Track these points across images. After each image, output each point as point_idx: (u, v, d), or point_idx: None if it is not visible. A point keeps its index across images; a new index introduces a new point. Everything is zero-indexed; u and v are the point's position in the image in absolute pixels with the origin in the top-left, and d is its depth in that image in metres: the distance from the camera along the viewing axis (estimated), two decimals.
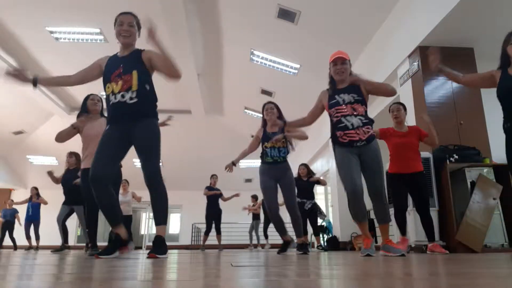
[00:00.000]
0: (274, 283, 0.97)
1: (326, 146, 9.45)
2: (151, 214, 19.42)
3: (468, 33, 4.75)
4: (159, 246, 2.46)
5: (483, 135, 4.74)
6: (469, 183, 4.18)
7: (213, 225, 7.55)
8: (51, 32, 7.75)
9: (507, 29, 2.74)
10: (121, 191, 7.78)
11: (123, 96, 2.50)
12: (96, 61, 2.76)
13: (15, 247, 9.11)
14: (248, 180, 14.38)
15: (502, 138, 4.26)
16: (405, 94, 5.36)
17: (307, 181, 6.45)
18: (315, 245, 6.68)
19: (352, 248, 7.53)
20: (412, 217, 4.19)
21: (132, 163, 14.23)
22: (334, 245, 7.63)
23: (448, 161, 4.31)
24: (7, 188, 15.01)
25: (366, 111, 2.89)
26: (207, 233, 7.54)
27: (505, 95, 2.53)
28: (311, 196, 6.46)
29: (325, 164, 9.97)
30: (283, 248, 3.97)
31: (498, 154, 4.43)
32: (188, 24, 6.77)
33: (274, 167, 3.90)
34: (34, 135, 13.06)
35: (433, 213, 4.27)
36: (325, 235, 8.30)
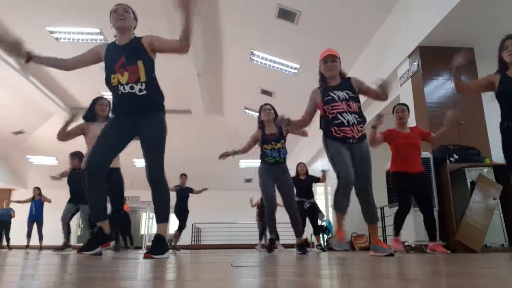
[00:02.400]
0: (274, 283, 0.97)
1: None
2: (151, 214, 19.40)
3: (468, 33, 4.75)
4: (157, 246, 2.40)
5: (483, 135, 4.74)
6: (469, 183, 4.18)
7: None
8: (51, 32, 7.75)
9: (507, 29, 2.75)
10: None
11: (132, 88, 2.46)
12: (95, 47, 2.68)
13: (8, 246, 9.08)
14: (248, 180, 14.37)
15: None
16: (405, 94, 5.36)
17: (306, 179, 6.42)
18: (315, 245, 6.67)
19: (352, 248, 7.53)
20: (412, 217, 4.19)
21: (132, 163, 14.24)
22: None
23: (448, 161, 4.31)
24: (7, 188, 15.01)
25: (360, 108, 2.93)
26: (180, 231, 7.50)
27: (506, 96, 2.57)
28: (310, 195, 6.41)
29: (325, 164, 9.95)
30: (270, 246, 4.06)
31: (498, 154, 4.42)
32: None
33: (275, 168, 3.92)
34: (34, 135, 13.07)
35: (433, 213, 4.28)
36: (325, 235, 8.30)
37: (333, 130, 2.88)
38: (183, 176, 7.72)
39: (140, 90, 2.47)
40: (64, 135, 3.58)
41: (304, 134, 3.91)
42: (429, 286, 0.89)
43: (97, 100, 3.81)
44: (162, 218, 2.51)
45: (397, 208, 3.88)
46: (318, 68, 3.08)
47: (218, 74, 9.57)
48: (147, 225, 16.02)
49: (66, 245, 5.57)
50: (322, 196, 10.63)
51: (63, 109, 11.24)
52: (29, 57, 2.51)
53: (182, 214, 7.45)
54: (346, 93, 2.90)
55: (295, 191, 6.57)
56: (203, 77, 9.28)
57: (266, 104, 4.08)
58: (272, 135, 3.94)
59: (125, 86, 2.46)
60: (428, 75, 4.93)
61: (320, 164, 10.34)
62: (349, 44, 6.86)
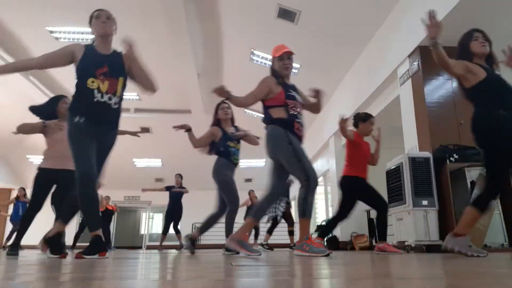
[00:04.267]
0: (274, 283, 0.97)
1: (326, 146, 9.45)
2: (151, 214, 19.42)
3: None
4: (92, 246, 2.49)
5: None
6: (469, 183, 4.18)
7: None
8: (51, 32, 7.74)
9: (507, 29, 2.75)
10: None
11: (110, 99, 2.53)
12: (69, 47, 2.62)
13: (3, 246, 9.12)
14: (248, 180, 14.39)
15: None
16: (405, 94, 5.36)
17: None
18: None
19: (352, 248, 7.53)
20: (412, 217, 4.19)
21: (132, 163, 14.25)
22: (334, 245, 7.62)
23: (448, 161, 4.31)
24: (7, 188, 15.01)
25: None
26: (165, 232, 7.39)
27: (494, 83, 2.56)
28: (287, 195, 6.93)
29: (325, 164, 9.96)
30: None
31: None
32: (188, 24, 6.77)
33: (235, 168, 3.88)
34: (34, 135, 13.03)
35: (433, 213, 4.28)
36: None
37: (296, 126, 2.84)
38: (178, 176, 7.76)
39: (115, 103, 2.56)
40: (26, 130, 3.67)
41: (254, 141, 3.90)
42: (429, 286, 0.89)
43: (60, 99, 3.75)
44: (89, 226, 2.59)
45: (370, 209, 3.92)
46: (272, 65, 3.08)
47: (218, 74, 9.56)
48: (147, 225, 16.04)
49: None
50: (322, 196, 10.63)
51: None
52: None
53: (178, 214, 7.48)
54: (299, 96, 2.97)
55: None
56: (203, 77, 9.28)
57: (223, 102, 3.96)
58: (232, 134, 3.90)
59: (104, 94, 2.50)
60: (428, 75, 4.93)
61: (320, 164, 10.34)
62: (349, 44, 6.86)
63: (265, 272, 1.33)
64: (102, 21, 2.60)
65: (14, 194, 14.93)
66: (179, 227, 7.68)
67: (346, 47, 7.00)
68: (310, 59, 7.73)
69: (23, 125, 3.61)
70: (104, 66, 2.53)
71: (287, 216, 7.27)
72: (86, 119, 2.50)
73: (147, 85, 2.67)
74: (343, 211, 3.92)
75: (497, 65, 2.71)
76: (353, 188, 3.89)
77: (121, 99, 2.59)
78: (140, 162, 13.60)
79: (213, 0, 6.78)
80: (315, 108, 3.08)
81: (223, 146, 3.84)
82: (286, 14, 6.57)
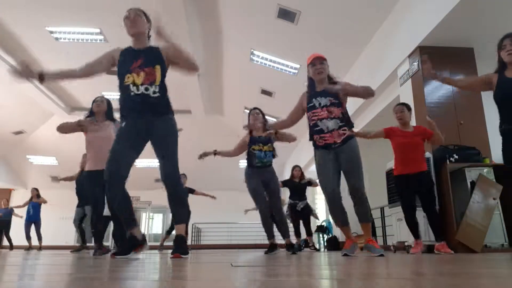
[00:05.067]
0: (274, 283, 0.97)
1: None
2: (151, 214, 19.37)
3: (468, 33, 4.75)
4: (180, 245, 2.50)
5: (483, 135, 4.74)
6: (469, 183, 4.17)
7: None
8: (51, 32, 7.74)
9: (507, 29, 2.74)
10: None
11: (146, 89, 2.47)
12: (109, 51, 2.66)
13: (11, 246, 9.10)
14: None
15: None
16: (405, 94, 5.36)
17: (300, 182, 6.59)
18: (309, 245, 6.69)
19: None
20: (421, 217, 4.20)
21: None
22: (334, 245, 7.62)
23: (448, 161, 4.31)
24: (7, 188, 15.01)
25: (343, 113, 2.94)
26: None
27: (504, 99, 2.56)
28: (303, 197, 6.58)
29: None
30: (270, 249, 4.02)
31: (498, 154, 4.41)
32: (188, 25, 6.77)
33: (262, 171, 3.97)
34: (34, 135, 13.06)
35: None
36: (325, 235, 8.31)
37: (316, 138, 2.95)
38: (183, 175, 7.72)
39: (154, 92, 2.49)
40: (63, 128, 3.69)
41: (291, 137, 3.88)
42: (429, 286, 0.89)
43: (94, 101, 3.91)
44: (177, 219, 2.61)
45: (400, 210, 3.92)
46: (307, 73, 3.09)
47: (218, 74, 9.56)
48: (147, 225, 16.03)
49: (82, 247, 5.68)
50: (322, 196, 10.62)
51: (63, 109, 11.24)
52: (41, 77, 2.50)
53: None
54: (329, 99, 2.93)
55: (289, 193, 6.68)
56: (203, 77, 9.28)
57: (255, 108, 4.16)
58: (260, 137, 3.99)
59: (139, 86, 2.47)
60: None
61: None
62: (349, 44, 6.86)
63: (265, 272, 1.33)
64: (131, 20, 2.56)
65: (13, 194, 14.95)
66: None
67: (346, 47, 6.99)
68: None
69: (62, 125, 3.74)
70: (139, 59, 2.52)
71: (304, 218, 6.75)
72: (127, 117, 2.53)
73: (189, 66, 2.59)
74: (405, 204, 3.90)
75: None
76: (397, 188, 3.95)
77: (161, 86, 2.51)
78: (140, 162, 13.88)
79: (213, 0, 6.78)
80: (365, 94, 3.04)
81: (248, 151, 4.03)
82: (286, 14, 6.57)
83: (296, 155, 12.47)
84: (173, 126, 2.57)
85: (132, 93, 2.47)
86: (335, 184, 2.90)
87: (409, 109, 3.94)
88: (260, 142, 3.96)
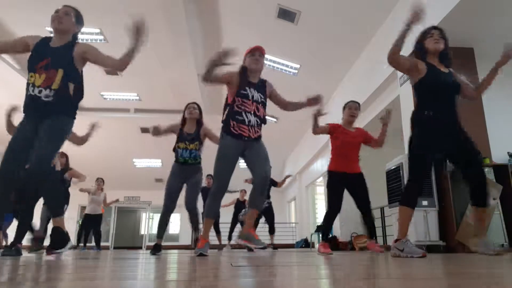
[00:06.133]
0: (274, 283, 0.97)
1: (325, 147, 9.45)
2: (151, 214, 19.27)
3: (468, 33, 4.75)
4: (55, 240, 2.45)
5: (483, 135, 4.73)
6: None
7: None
8: (51, 32, 7.74)
9: (507, 29, 2.74)
10: (94, 190, 7.72)
11: (40, 92, 2.45)
12: (26, 37, 2.64)
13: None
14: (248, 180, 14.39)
15: (502, 138, 4.25)
16: (405, 94, 5.35)
17: None
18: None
19: (352, 248, 7.53)
20: (421, 217, 4.19)
21: (132, 163, 14.23)
22: (334, 245, 7.62)
23: (448, 161, 4.31)
24: None
25: (264, 115, 2.97)
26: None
27: (433, 86, 2.53)
28: (268, 196, 6.88)
29: (324, 164, 9.96)
30: (154, 250, 3.79)
31: (498, 154, 4.43)
32: (188, 24, 6.77)
33: (184, 167, 3.85)
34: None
35: (433, 213, 4.28)
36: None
37: (232, 125, 2.86)
38: (209, 176, 7.48)
39: (47, 96, 2.45)
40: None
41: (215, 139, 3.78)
42: (429, 286, 0.89)
43: None
44: (53, 212, 2.52)
45: (328, 210, 3.73)
46: (243, 62, 3.06)
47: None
48: (147, 225, 16.04)
49: (40, 247, 5.27)
50: (322, 196, 10.63)
51: None
52: None
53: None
54: (260, 95, 2.94)
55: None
56: None
57: (193, 102, 3.99)
58: (189, 135, 3.85)
59: (35, 88, 2.45)
60: None
61: (320, 164, 10.35)
62: (349, 44, 6.86)
63: (264, 272, 1.33)
64: (57, 16, 2.57)
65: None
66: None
67: (346, 47, 6.99)
68: (310, 59, 7.73)
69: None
70: (48, 59, 2.49)
71: (267, 215, 7.44)
72: (24, 115, 2.53)
73: (117, 66, 2.56)
74: (335, 204, 3.75)
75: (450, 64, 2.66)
76: (329, 185, 3.78)
77: (59, 91, 2.46)
78: (140, 162, 13.61)
79: (213, 0, 6.78)
80: (288, 107, 3.09)
81: (174, 146, 3.90)
82: (286, 14, 6.57)
83: (296, 155, 12.48)
84: (59, 124, 2.50)
85: (28, 93, 2.49)
86: (230, 176, 2.87)
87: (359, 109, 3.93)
88: (186, 140, 3.83)
